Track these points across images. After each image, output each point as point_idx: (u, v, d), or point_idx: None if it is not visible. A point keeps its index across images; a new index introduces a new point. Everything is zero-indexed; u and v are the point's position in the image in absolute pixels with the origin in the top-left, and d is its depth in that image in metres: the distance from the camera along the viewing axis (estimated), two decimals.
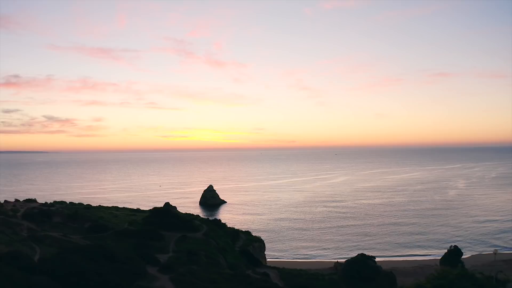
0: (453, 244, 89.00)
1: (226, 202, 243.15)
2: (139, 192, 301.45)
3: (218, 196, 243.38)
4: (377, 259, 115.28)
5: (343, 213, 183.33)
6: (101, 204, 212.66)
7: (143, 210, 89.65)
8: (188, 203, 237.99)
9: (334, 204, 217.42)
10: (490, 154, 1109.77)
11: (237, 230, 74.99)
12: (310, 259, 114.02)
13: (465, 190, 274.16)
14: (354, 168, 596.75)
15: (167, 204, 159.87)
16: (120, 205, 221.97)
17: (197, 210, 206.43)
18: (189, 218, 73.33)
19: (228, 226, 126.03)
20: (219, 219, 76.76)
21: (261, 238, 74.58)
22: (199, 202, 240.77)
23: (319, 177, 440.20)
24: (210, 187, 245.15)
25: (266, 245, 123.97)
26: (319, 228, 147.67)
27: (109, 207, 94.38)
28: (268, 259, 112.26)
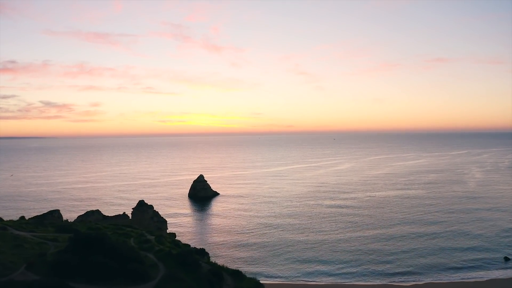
0: None
1: (219, 194, 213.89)
2: (124, 182, 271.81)
3: (210, 187, 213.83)
4: (416, 283, 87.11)
5: (357, 214, 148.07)
6: (70, 198, 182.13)
7: (77, 229, 59.35)
8: (176, 196, 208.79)
9: (343, 199, 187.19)
10: (492, 140, 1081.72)
11: (219, 269, 44.88)
12: (324, 282, 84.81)
13: (486, 181, 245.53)
14: (356, 154, 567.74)
15: (141, 202, 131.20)
16: (90, 202, 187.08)
17: (184, 208, 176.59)
18: (136, 252, 43.32)
19: (211, 247, 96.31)
20: (192, 248, 47.55)
21: (259, 280, 44.76)
22: (188, 194, 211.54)
23: (321, 163, 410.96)
24: (201, 177, 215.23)
25: (264, 264, 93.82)
26: (331, 242, 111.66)
27: (30, 220, 64.48)
28: (267, 282, 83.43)
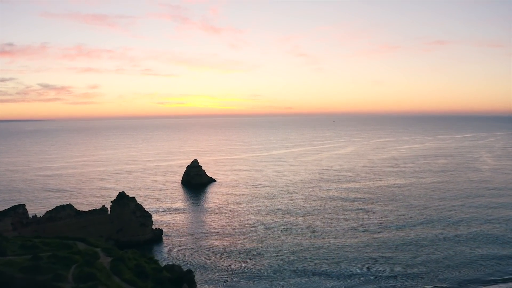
0: None
1: (215, 181, 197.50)
2: (114, 167, 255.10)
3: (205, 173, 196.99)
4: None
5: (369, 210, 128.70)
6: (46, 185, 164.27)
7: None
8: (168, 183, 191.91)
9: (351, 189, 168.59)
10: (493, 124, 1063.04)
11: None
12: None
13: (500, 168, 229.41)
14: (359, 136, 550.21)
15: (121, 193, 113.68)
16: (68, 193, 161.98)
17: (175, 199, 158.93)
18: None
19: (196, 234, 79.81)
20: (165, 276, 31.52)
21: None
22: (182, 180, 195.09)
23: (323, 146, 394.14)
24: (195, 162, 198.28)
25: (265, 279, 74.59)
26: (343, 247, 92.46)
27: None
28: None
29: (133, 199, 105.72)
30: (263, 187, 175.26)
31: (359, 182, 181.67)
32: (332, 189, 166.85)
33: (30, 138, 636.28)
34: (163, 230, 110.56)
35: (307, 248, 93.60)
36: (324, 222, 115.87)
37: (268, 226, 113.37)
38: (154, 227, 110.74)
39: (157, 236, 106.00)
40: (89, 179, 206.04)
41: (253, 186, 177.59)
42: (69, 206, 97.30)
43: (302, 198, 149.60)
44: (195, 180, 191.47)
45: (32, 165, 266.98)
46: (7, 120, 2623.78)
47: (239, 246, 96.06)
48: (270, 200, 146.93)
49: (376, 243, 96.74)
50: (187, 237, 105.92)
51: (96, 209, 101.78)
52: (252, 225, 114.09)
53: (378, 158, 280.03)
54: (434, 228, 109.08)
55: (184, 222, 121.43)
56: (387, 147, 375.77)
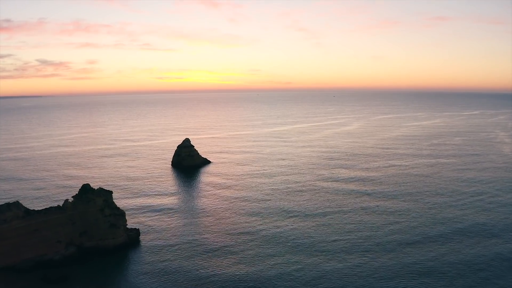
0: None
1: (209, 162, 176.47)
2: (98, 146, 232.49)
3: (198, 153, 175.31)
4: None
5: (393, 210, 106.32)
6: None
7: None
8: (156, 166, 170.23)
9: (366, 178, 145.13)
10: (496, 101, 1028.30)
11: None
12: None
13: None
14: (362, 112, 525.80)
15: (85, 186, 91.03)
16: (31, 183, 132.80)
17: (162, 186, 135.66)
18: None
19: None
20: None
21: None
22: (172, 162, 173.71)
23: (327, 122, 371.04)
24: (186, 141, 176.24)
25: None
26: (369, 270, 68.61)
27: None
28: None
29: (101, 192, 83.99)
30: (263, 174, 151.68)
31: (374, 169, 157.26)
32: (343, 178, 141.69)
33: (21, 115, 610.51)
34: (140, 230, 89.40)
35: (325, 271, 69.93)
36: (342, 230, 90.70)
37: (271, 234, 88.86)
38: (130, 226, 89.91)
39: (132, 239, 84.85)
40: (59, 164, 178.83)
41: (252, 172, 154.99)
42: (16, 204, 75.91)
43: (309, 191, 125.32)
44: (186, 162, 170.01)
45: (10, 145, 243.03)
46: (5, 97, 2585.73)
47: (235, 267, 73.12)
48: (271, 194, 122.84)
49: (415, 263, 73.12)
50: (167, 243, 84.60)
51: (52, 207, 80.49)
52: (251, 232, 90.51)
53: (388, 136, 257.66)
54: (480, 238, 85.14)
55: (167, 220, 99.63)
56: (395, 124, 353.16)
